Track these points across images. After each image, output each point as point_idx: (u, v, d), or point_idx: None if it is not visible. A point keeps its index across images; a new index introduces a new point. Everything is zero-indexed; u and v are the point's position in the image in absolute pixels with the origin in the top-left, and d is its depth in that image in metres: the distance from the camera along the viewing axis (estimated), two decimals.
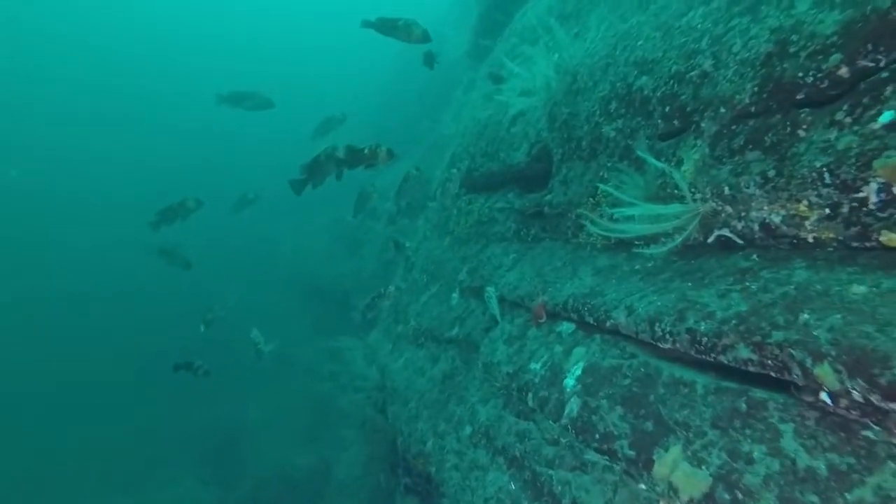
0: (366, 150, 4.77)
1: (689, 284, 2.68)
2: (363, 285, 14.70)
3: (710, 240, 2.79)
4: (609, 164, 3.79)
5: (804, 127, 2.32)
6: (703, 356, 2.31)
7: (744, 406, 2.09)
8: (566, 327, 3.58)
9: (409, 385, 5.73)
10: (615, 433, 2.54)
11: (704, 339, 2.27)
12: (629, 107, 3.57)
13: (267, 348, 6.27)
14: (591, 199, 4.03)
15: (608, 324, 3.06)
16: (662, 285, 2.87)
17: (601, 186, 3.68)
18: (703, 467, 2.04)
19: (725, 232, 2.70)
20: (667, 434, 2.25)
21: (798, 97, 2.37)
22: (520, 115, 5.50)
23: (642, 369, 2.65)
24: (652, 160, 2.90)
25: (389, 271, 13.48)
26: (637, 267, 3.30)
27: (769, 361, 1.96)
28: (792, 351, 1.86)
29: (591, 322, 3.25)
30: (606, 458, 2.52)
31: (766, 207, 2.46)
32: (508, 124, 5.77)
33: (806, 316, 1.93)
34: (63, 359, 19.75)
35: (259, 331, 6.42)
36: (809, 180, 2.24)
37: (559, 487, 2.87)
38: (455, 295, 6.10)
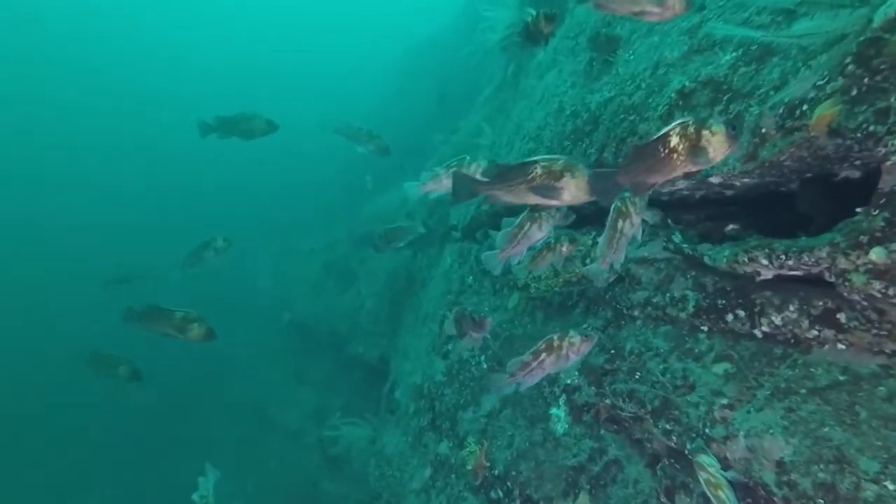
0: (538, 170, 1.95)
1: None
2: (359, 329, 11.80)
3: None
4: None
5: None
6: None
7: None
8: None
9: None
10: None
11: None
12: None
13: None
14: None
15: None
16: None
17: None
18: None
19: None
20: None
21: None
22: (709, 81, 2.86)
23: None
24: None
25: (398, 314, 10.56)
26: None
27: None
28: None
29: None
30: None
31: None
32: (668, 104, 3.11)
33: None
34: None
35: (213, 472, 3.53)
36: None
37: None
38: (559, 411, 3.38)
